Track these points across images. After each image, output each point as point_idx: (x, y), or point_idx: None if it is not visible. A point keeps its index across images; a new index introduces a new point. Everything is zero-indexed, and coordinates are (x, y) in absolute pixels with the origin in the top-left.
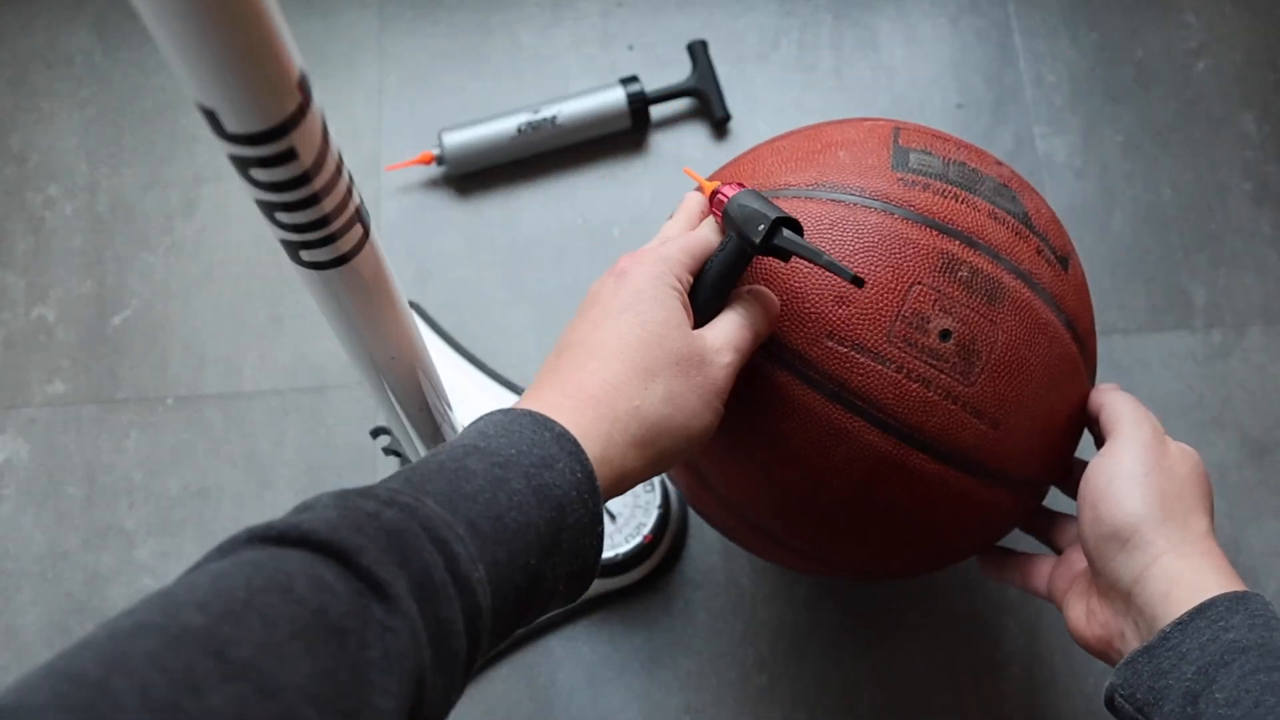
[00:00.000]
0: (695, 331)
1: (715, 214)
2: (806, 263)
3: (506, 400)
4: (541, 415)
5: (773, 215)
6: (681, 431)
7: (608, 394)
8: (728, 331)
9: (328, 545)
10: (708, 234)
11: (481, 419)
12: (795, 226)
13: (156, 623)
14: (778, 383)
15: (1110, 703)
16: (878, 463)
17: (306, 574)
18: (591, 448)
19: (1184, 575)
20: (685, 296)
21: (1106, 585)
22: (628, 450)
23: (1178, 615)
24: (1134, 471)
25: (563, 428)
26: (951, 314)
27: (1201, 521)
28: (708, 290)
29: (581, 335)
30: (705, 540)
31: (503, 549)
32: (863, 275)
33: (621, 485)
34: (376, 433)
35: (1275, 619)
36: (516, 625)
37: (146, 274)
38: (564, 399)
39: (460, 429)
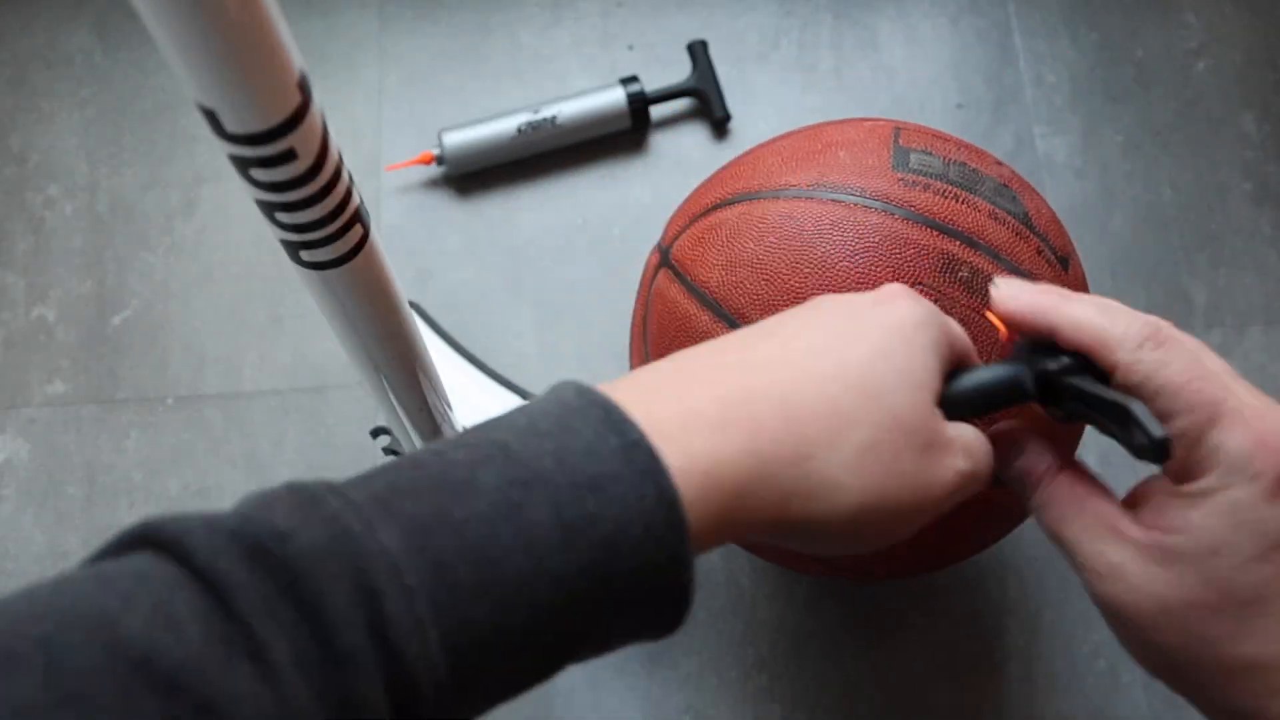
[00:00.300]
0: (939, 413)
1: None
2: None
3: (507, 402)
4: (617, 410)
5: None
6: (848, 527)
7: (768, 424)
8: (973, 440)
9: (203, 570)
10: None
11: (558, 388)
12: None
13: None
14: None
15: None
16: None
17: (155, 607)
18: (694, 484)
19: None
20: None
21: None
22: (761, 519)
23: None
24: (1252, 551)
25: (639, 433)
26: (952, 314)
27: None
28: (962, 398)
29: (772, 330)
30: None
31: (484, 604)
32: (863, 275)
33: (716, 543)
34: (376, 433)
35: None
36: (531, 685)
37: (146, 274)
38: (688, 398)
39: (460, 430)
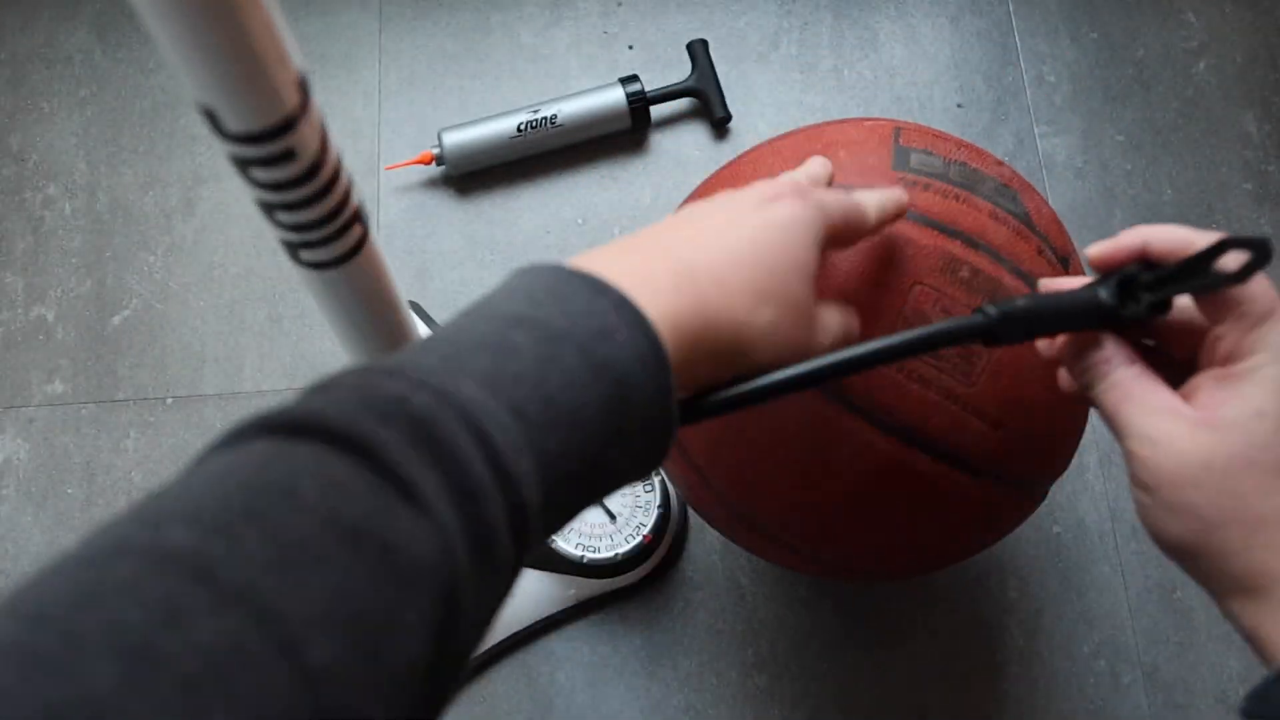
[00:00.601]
0: (813, 298)
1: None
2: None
3: None
4: (598, 279)
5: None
6: (760, 369)
7: (708, 292)
8: (832, 321)
9: (344, 437)
10: (866, 211)
11: (528, 274)
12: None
13: (136, 542)
14: None
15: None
16: (878, 463)
17: (317, 474)
18: (663, 332)
19: None
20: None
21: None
22: (706, 365)
23: None
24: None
25: (622, 295)
26: (952, 314)
27: None
28: (1041, 317)
29: (699, 216)
30: (705, 540)
31: (554, 436)
32: (863, 275)
33: (678, 385)
34: None
35: None
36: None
37: (146, 274)
38: (644, 269)
39: None
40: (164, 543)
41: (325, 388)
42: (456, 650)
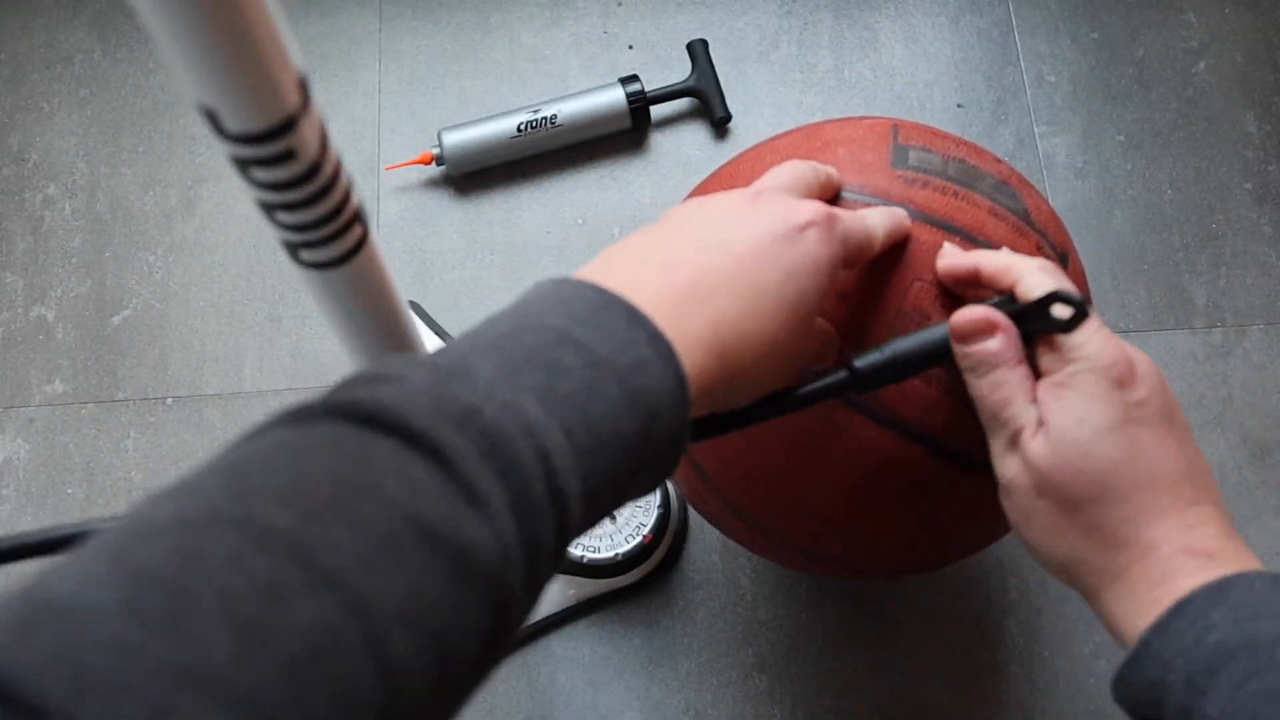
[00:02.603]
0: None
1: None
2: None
3: None
4: (634, 309)
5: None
6: (765, 366)
7: (733, 345)
8: (820, 341)
9: (423, 439)
10: (876, 236)
11: (564, 285)
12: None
13: (233, 515)
14: None
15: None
16: (878, 459)
17: (398, 471)
18: (686, 363)
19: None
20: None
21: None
22: (716, 399)
23: (1154, 617)
24: (1103, 422)
25: (656, 328)
26: (950, 312)
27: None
28: (905, 360)
29: (726, 231)
30: (705, 540)
31: (594, 460)
32: (862, 272)
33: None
34: None
35: (1261, 602)
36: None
37: (146, 274)
38: (672, 301)
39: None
40: (259, 519)
41: (392, 377)
42: (497, 657)
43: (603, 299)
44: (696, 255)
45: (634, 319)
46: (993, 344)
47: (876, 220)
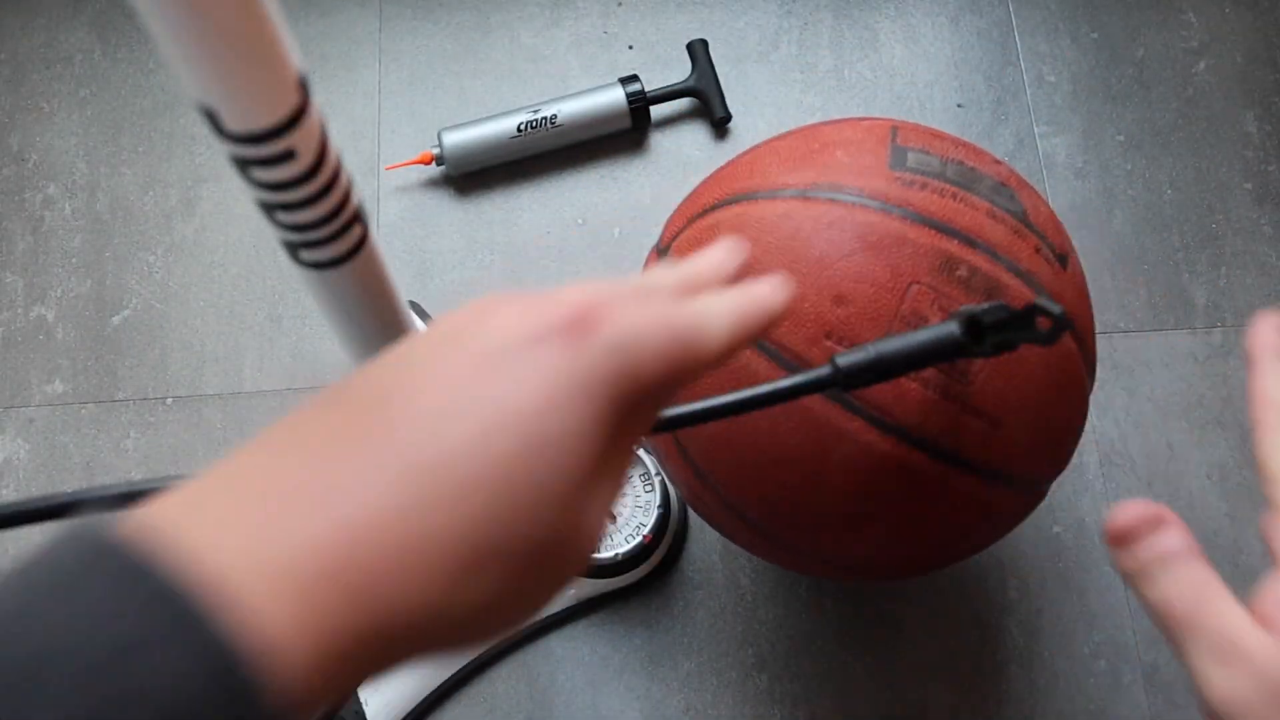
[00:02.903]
0: (590, 489)
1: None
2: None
3: None
4: (136, 558)
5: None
6: (471, 638)
7: (383, 573)
8: (590, 546)
9: None
10: (708, 333)
11: (51, 550)
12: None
13: None
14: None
15: None
16: (877, 463)
17: None
18: (300, 635)
19: None
20: (630, 414)
21: None
22: (378, 664)
23: None
24: None
25: (169, 582)
26: (950, 313)
27: None
28: (896, 359)
29: (402, 390)
30: (705, 540)
31: None
32: (860, 275)
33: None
34: None
35: None
36: None
37: (146, 274)
38: (276, 534)
39: None
40: None
41: None
42: None
43: (84, 560)
44: (350, 433)
45: (131, 571)
46: (1170, 540)
47: (711, 308)
